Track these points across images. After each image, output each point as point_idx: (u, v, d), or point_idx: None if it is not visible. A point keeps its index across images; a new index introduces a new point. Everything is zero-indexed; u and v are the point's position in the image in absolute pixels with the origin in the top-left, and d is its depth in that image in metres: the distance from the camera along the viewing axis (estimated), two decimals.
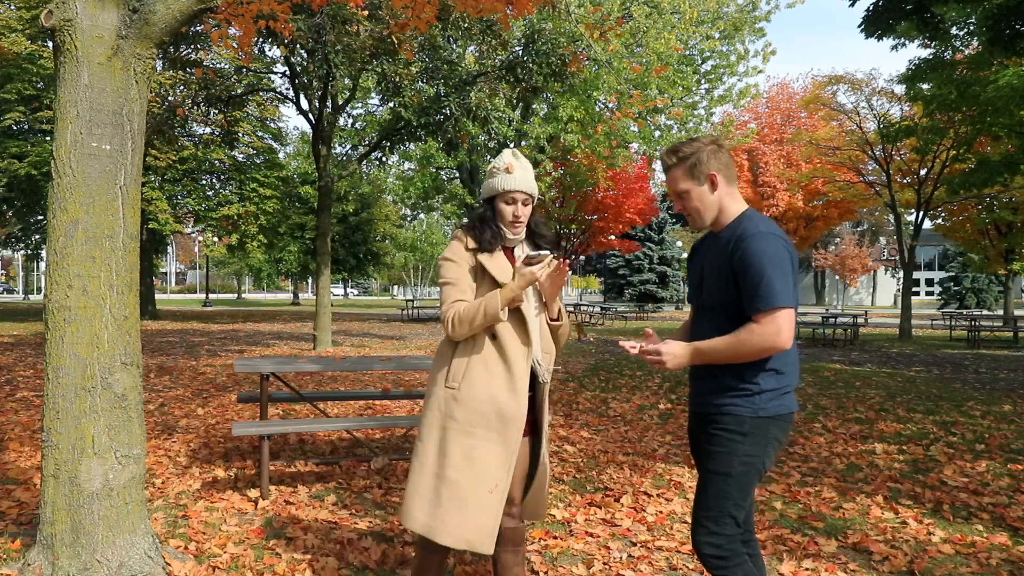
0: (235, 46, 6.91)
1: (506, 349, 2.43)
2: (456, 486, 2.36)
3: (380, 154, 14.52)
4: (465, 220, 2.76)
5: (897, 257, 36.79)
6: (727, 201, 2.24)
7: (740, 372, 2.15)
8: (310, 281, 53.43)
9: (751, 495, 2.19)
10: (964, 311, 34.00)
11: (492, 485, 2.37)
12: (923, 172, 19.62)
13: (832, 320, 18.33)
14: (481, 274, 2.47)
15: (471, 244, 2.48)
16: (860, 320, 19.98)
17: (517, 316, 2.47)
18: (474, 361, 2.42)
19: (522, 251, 2.57)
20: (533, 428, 2.57)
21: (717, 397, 2.19)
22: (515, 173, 2.49)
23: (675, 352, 2.16)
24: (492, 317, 2.35)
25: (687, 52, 20.18)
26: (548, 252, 2.43)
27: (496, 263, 2.47)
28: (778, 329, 2.06)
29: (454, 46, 14.95)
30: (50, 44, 11.33)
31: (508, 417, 2.40)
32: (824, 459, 5.41)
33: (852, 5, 9.61)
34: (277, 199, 25.93)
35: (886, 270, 64.98)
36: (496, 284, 2.45)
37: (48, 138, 21.09)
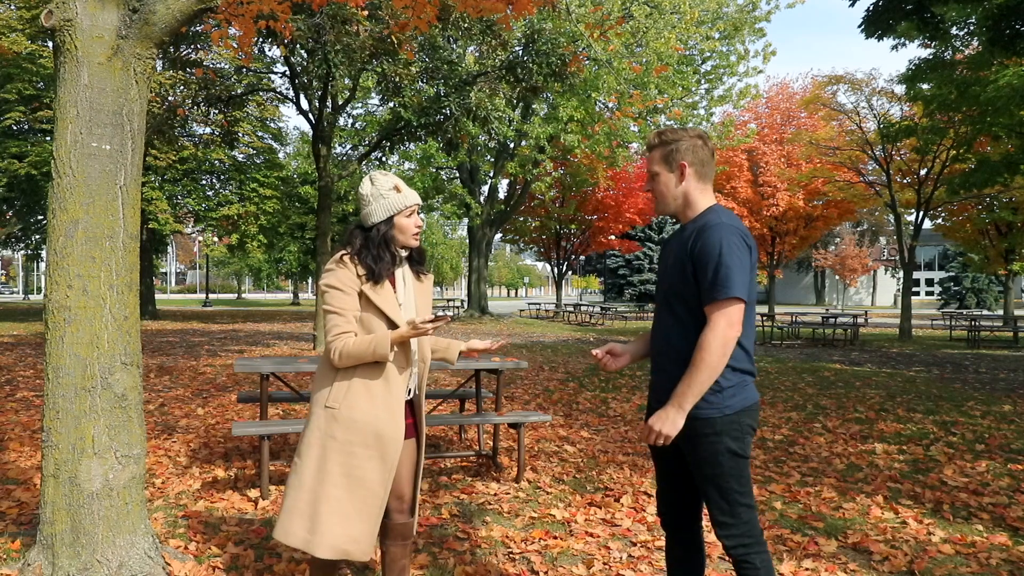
0: (235, 46, 6.91)
1: (388, 372, 2.55)
2: (337, 501, 2.47)
3: (380, 154, 14.52)
4: (348, 244, 2.78)
5: (897, 257, 36.79)
6: (695, 195, 2.28)
7: None
8: (310, 281, 53.44)
9: (749, 479, 2.24)
10: (964, 311, 34.00)
11: (372, 500, 2.50)
12: (923, 172, 19.62)
13: (832, 320, 18.32)
14: (366, 303, 2.54)
15: (361, 271, 2.53)
16: (860, 320, 19.98)
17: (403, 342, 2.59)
18: (356, 383, 2.51)
19: (403, 272, 2.67)
20: (415, 430, 2.72)
21: None
22: (404, 189, 2.60)
23: (664, 418, 2.15)
24: (381, 357, 2.46)
25: (687, 52, 20.20)
26: (449, 316, 2.55)
27: (384, 296, 2.55)
28: (729, 322, 2.09)
29: (454, 46, 14.95)
30: (50, 44, 11.32)
31: (387, 437, 2.52)
32: (824, 459, 5.41)
33: (852, 5, 9.61)
34: (277, 199, 25.92)
35: (886, 270, 64.98)
36: (381, 313, 2.53)
37: (48, 138, 21.09)
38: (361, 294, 2.53)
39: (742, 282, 2.09)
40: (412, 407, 2.71)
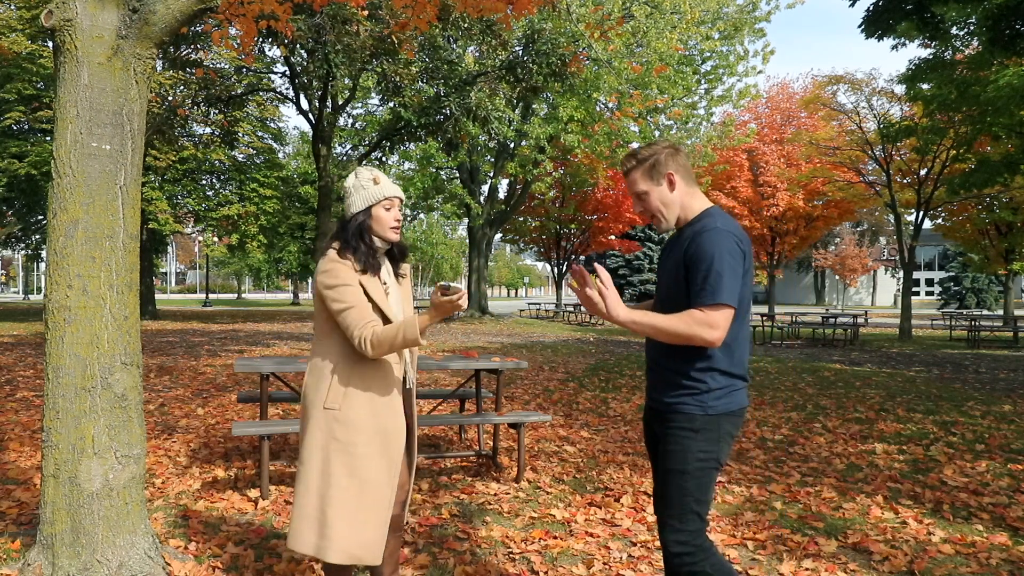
0: (236, 46, 6.91)
1: (383, 367, 2.54)
2: (342, 504, 2.44)
3: (380, 154, 14.52)
4: (336, 237, 2.66)
5: (897, 257, 36.80)
6: (688, 200, 2.27)
7: (686, 371, 2.17)
8: (310, 281, 53.43)
9: (711, 491, 2.21)
10: (964, 311, 34.00)
11: (380, 500, 2.48)
12: (923, 172, 19.63)
13: (832, 320, 18.33)
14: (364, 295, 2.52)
15: (357, 267, 2.51)
16: (860, 320, 19.98)
17: None
18: (353, 382, 2.49)
19: (386, 269, 2.65)
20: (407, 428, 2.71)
21: (666, 394, 2.22)
22: (383, 182, 2.58)
23: (618, 303, 2.13)
24: (412, 342, 2.39)
25: (687, 52, 20.21)
26: (459, 286, 2.43)
27: (376, 288, 2.54)
28: (716, 325, 2.07)
29: (454, 46, 14.94)
30: (50, 44, 11.34)
31: (389, 431, 2.52)
32: (824, 459, 5.41)
33: (852, 5, 9.61)
34: (277, 199, 25.93)
35: (886, 270, 64.98)
36: (375, 306, 2.52)
37: (48, 138, 21.09)
38: (360, 285, 2.52)
39: (732, 289, 2.08)
40: (405, 398, 2.70)
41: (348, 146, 24.86)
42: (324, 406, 2.48)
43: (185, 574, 3.09)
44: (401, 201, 2.63)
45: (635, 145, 22.02)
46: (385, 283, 2.60)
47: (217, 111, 13.25)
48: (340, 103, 13.94)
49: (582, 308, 27.68)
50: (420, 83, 12.37)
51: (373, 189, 2.56)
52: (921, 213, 19.65)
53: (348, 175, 2.63)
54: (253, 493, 4.29)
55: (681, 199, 2.27)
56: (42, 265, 43.01)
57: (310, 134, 14.22)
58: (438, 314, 2.41)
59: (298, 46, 10.66)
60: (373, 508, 2.47)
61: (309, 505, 2.46)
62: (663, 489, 2.22)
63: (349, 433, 2.46)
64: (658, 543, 3.56)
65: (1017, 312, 30.59)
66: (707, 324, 2.06)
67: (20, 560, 2.99)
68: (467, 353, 6.04)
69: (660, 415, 2.27)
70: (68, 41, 2.81)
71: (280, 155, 29.61)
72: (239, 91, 13.71)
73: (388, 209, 2.57)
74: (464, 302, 2.37)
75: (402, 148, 20.38)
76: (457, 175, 27.18)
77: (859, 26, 9.42)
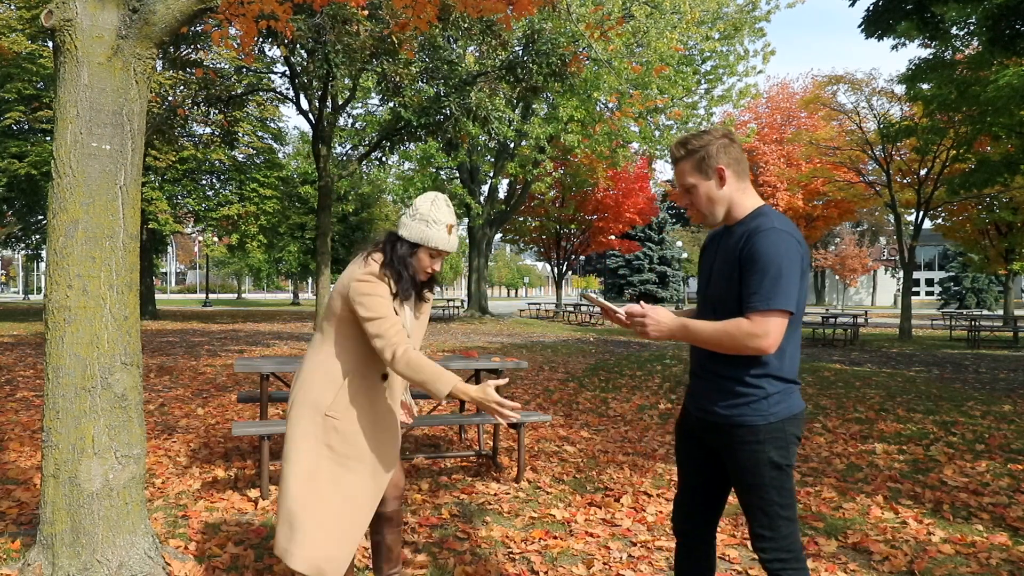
0: (236, 46, 6.92)
1: (393, 389, 2.54)
2: (323, 515, 2.39)
3: (380, 154, 14.52)
4: (376, 255, 2.54)
5: (897, 257, 36.80)
6: (738, 196, 2.14)
7: (740, 377, 2.08)
8: (310, 281, 53.44)
9: (793, 492, 2.13)
10: (964, 311, 34.01)
11: (358, 519, 2.44)
12: (923, 172, 19.63)
13: (832, 320, 18.33)
14: None
15: (392, 290, 2.44)
16: (860, 320, 19.99)
17: None
18: (361, 396, 2.45)
19: (410, 305, 2.58)
20: None
21: (721, 406, 2.12)
22: (452, 235, 2.51)
23: (661, 321, 2.07)
24: (436, 392, 2.29)
25: (687, 52, 20.22)
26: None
27: (400, 316, 2.47)
28: (766, 332, 1.98)
29: (454, 46, 14.95)
30: (50, 44, 11.33)
31: (386, 456, 2.50)
32: (824, 459, 5.41)
33: (852, 5, 9.61)
34: (277, 199, 25.92)
35: (886, 270, 64.99)
36: None
37: (48, 138, 21.08)
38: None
39: (789, 293, 1.99)
40: None
41: (348, 146, 24.85)
42: (326, 413, 2.42)
43: (185, 574, 3.09)
44: (446, 255, 2.58)
45: (635, 145, 22.05)
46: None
47: (217, 111, 13.24)
48: (340, 103, 13.93)
49: (581, 308, 27.68)
50: (420, 83, 12.38)
51: (440, 234, 2.47)
52: (921, 213, 19.65)
53: (426, 195, 2.51)
54: (253, 493, 4.30)
55: (731, 195, 2.13)
56: (42, 265, 43.02)
57: (310, 134, 14.23)
58: (478, 397, 2.29)
59: (298, 46, 10.66)
60: (349, 526, 2.41)
61: (285, 508, 2.40)
62: (746, 505, 2.14)
63: (346, 446, 2.42)
64: (658, 543, 3.57)
65: (1017, 312, 30.59)
66: (754, 334, 1.98)
67: (20, 560, 2.99)
68: (467, 353, 6.05)
69: (714, 427, 2.16)
70: (68, 41, 2.81)
71: (280, 155, 29.57)
72: (239, 91, 13.70)
73: (433, 257, 2.52)
74: (503, 408, 2.25)
75: (402, 148, 20.38)
76: (457, 175, 27.19)
77: (859, 26, 9.42)
